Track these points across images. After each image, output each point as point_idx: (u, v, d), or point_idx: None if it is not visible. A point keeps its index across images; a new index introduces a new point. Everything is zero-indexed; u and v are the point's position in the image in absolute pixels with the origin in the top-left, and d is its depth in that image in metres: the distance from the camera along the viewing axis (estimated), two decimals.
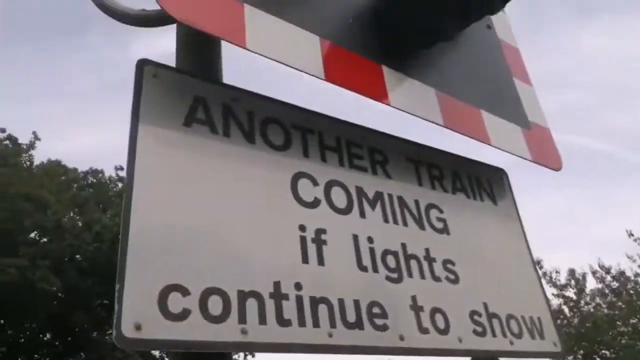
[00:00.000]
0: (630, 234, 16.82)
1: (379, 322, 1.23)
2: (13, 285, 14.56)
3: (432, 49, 1.57)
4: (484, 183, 1.78)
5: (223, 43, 1.40)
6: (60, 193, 18.04)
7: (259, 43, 1.18)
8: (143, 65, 1.20)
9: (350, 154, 1.47)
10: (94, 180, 20.40)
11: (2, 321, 16.34)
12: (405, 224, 1.47)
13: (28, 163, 19.09)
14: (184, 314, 0.98)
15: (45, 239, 17.14)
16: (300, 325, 1.10)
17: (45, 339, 17.72)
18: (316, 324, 1.12)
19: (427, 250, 1.45)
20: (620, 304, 17.70)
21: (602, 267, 19.21)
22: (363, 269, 1.29)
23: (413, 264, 1.40)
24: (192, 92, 1.25)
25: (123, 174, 18.21)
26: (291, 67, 1.22)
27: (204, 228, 1.10)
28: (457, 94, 1.63)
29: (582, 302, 19.05)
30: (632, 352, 15.33)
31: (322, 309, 1.15)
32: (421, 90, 1.53)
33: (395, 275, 1.34)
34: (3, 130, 18.49)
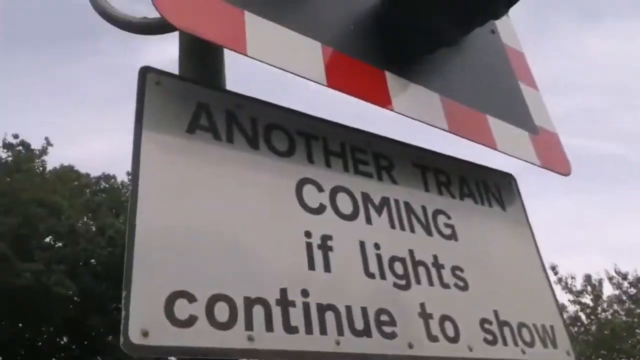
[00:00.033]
0: None
1: (387, 329, 1.20)
2: (30, 290, 14.65)
3: (435, 54, 1.56)
4: (492, 188, 1.76)
5: (226, 50, 1.41)
6: (73, 198, 18.23)
7: (260, 50, 1.18)
8: (145, 72, 1.21)
9: (355, 159, 1.46)
10: (107, 186, 20.61)
11: (20, 325, 16.39)
12: (412, 230, 1.45)
13: (41, 169, 19.31)
14: (191, 321, 0.97)
15: (59, 244, 17.28)
16: (308, 332, 1.08)
17: (62, 342, 17.79)
18: (323, 331, 1.10)
19: (435, 256, 1.43)
20: (638, 311, 17.33)
21: (618, 272, 18.95)
22: (370, 275, 1.27)
23: (421, 270, 1.37)
24: (195, 98, 1.25)
25: None
26: (293, 73, 1.22)
27: (210, 234, 1.10)
28: (461, 99, 1.62)
29: (599, 308, 18.66)
30: None
31: (329, 316, 1.13)
32: (425, 95, 1.53)
33: (403, 282, 1.31)
34: (16, 136, 18.75)
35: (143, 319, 0.93)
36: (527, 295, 1.57)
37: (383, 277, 1.28)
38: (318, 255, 1.21)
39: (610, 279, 18.96)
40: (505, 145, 1.64)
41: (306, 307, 1.11)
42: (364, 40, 1.47)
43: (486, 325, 1.39)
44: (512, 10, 1.49)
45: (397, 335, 1.20)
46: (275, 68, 1.19)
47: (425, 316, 1.29)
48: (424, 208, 1.52)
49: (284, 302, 1.09)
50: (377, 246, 1.33)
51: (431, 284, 1.36)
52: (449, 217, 1.56)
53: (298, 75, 1.23)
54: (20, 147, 18.65)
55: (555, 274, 18.92)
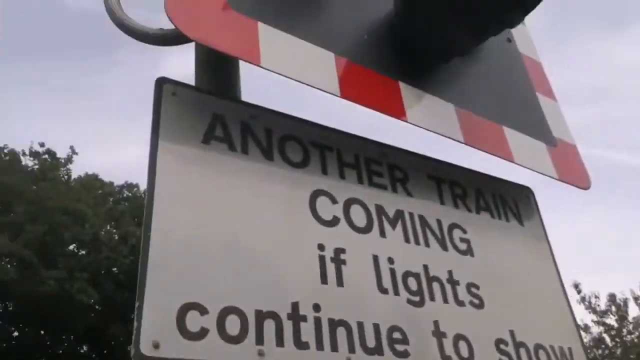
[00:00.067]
0: None
1: (399, 348, 1.17)
2: (53, 297, 14.84)
3: (450, 64, 1.54)
4: (510, 202, 1.72)
5: (241, 61, 1.41)
6: (97, 206, 18.49)
7: (274, 61, 1.18)
8: (162, 83, 1.21)
9: (369, 171, 1.44)
10: (130, 194, 20.83)
11: (42, 332, 16.56)
12: (427, 244, 1.42)
13: (66, 177, 19.65)
14: (202, 333, 0.96)
15: (83, 252, 17.49)
16: (318, 348, 1.06)
17: (82, 351, 17.87)
18: (334, 347, 1.08)
19: (450, 272, 1.40)
20: None
21: None
22: (383, 291, 1.24)
23: (435, 286, 1.34)
24: (211, 109, 1.25)
25: None
26: (306, 84, 1.21)
27: (223, 246, 1.09)
28: (477, 110, 1.59)
29: (625, 330, 17.98)
30: None
31: (341, 332, 1.11)
32: (440, 106, 1.50)
33: (417, 299, 1.28)
34: (42, 145, 19.14)
35: (154, 330, 0.92)
36: (544, 315, 1.52)
37: (396, 292, 1.26)
38: (331, 268, 1.19)
39: (636, 299, 18.21)
40: (522, 157, 1.61)
41: (317, 322, 1.09)
42: (377, 50, 1.46)
43: (502, 346, 1.35)
44: (532, 18, 1.46)
45: (409, 354, 1.17)
46: (289, 79, 1.19)
47: (439, 335, 1.25)
48: (439, 222, 1.49)
49: (296, 317, 1.07)
50: (390, 260, 1.30)
51: (446, 301, 1.33)
52: (464, 232, 1.52)
53: (311, 87, 1.22)
54: (46, 156, 19.01)
55: (579, 292, 18.38)
